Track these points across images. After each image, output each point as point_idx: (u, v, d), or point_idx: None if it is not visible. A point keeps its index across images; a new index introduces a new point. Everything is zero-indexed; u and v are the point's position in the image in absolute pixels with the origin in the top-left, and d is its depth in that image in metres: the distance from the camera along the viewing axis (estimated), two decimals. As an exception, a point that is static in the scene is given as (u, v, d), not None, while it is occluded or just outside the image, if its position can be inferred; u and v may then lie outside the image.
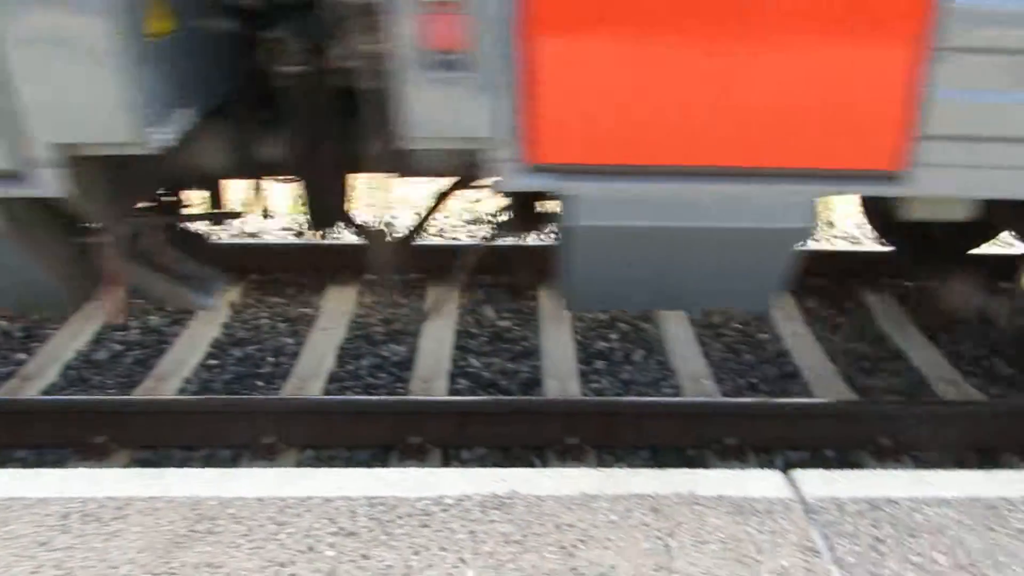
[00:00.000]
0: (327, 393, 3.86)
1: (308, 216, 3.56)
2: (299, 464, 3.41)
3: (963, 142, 2.57)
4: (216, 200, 3.65)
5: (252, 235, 5.68)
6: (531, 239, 4.54)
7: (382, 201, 3.56)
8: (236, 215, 3.82)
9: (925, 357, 4.26)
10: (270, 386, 3.93)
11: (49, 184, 2.54)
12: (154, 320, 4.44)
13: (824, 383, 3.99)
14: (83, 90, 2.40)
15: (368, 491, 2.28)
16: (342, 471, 2.38)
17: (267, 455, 3.42)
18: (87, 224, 3.05)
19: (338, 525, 2.14)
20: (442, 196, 3.69)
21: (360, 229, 3.81)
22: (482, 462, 3.48)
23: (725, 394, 3.93)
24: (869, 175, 2.63)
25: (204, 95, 2.92)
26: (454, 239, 5.71)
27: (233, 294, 4.64)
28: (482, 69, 2.36)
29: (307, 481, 2.31)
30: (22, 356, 4.10)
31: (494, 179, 2.58)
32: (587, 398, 3.79)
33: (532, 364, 4.16)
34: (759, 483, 2.29)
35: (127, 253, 3.15)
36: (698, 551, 2.04)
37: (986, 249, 4.91)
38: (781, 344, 4.38)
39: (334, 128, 3.21)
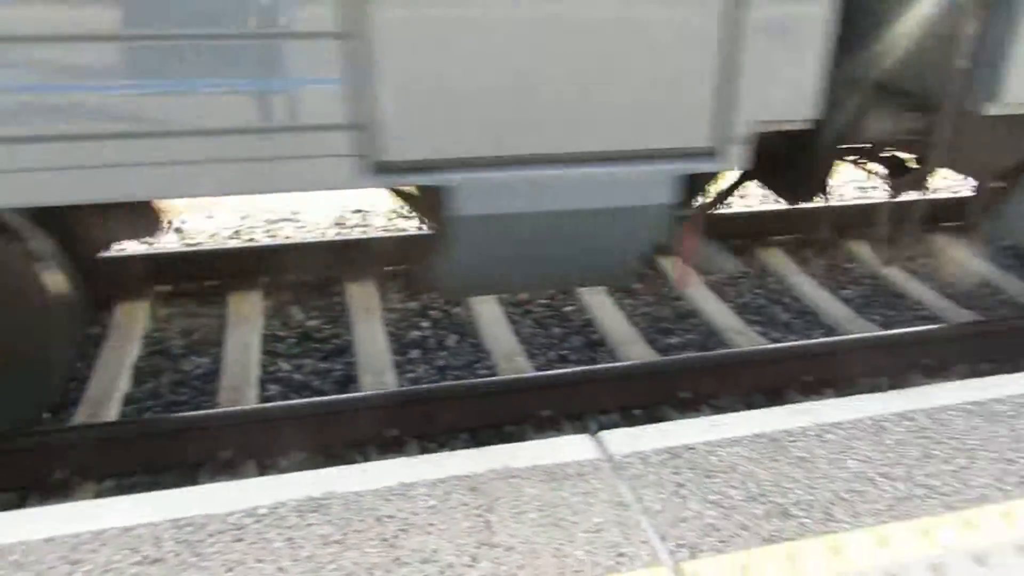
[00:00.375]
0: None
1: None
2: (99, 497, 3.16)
3: None
4: None
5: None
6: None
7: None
8: None
9: (716, 311, 4.59)
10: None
11: (736, 160, 2.76)
12: None
13: (628, 346, 4.21)
14: (791, 71, 2.67)
15: (173, 513, 2.14)
16: (142, 496, 2.22)
17: (61, 492, 3.14)
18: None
19: (141, 554, 2.00)
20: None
21: None
22: (302, 468, 3.38)
23: (538, 368, 4.05)
24: None
25: None
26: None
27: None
28: None
29: (103, 512, 2.13)
30: None
31: None
32: (402, 388, 3.77)
33: (346, 361, 4.09)
34: (570, 448, 2.38)
35: (702, 223, 3.30)
36: (517, 522, 2.09)
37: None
38: (586, 314, 4.57)
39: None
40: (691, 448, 2.39)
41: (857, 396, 2.65)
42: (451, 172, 2.52)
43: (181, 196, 2.43)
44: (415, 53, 2.34)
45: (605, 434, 2.44)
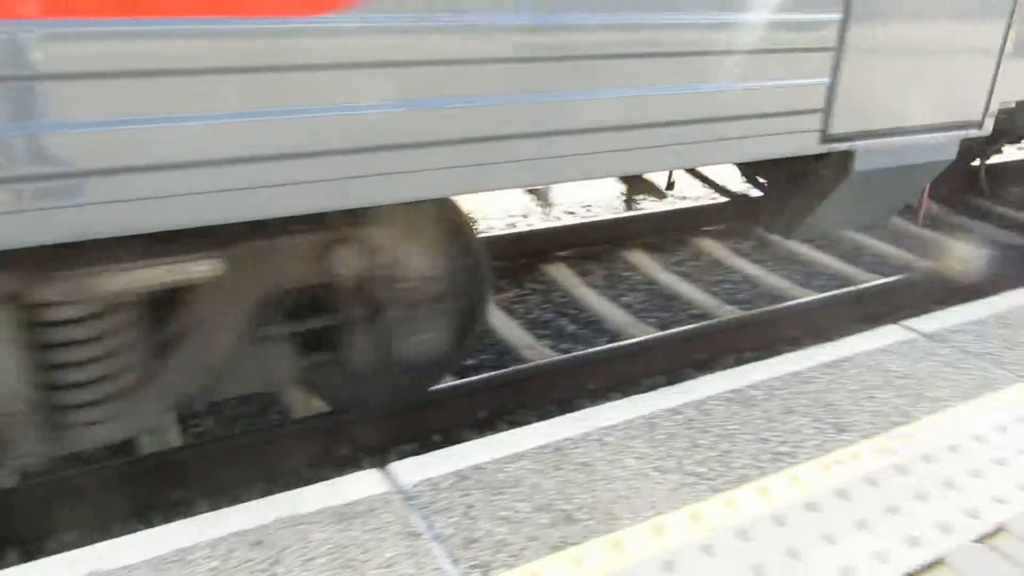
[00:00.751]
0: None
1: None
2: None
3: None
4: None
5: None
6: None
7: None
8: None
9: (507, 329, 4.71)
10: None
11: (989, 127, 3.87)
12: None
13: (424, 374, 4.21)
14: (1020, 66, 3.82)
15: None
16: None
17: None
18: None
19: None
20: None
21: None
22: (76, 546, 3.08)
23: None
24: None
25: None
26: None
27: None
28: None
29: None
30: None
31: None
32: (183, 445, 3.55)
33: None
34: (358, 485, 2.33)
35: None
36: (306, 570, 2.02)
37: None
38: (380, 346, 4.53)
39: None
40: (480, 468, 2.42)
41: (631, 397, 2.81)
42: (856, 141, 3.43)
43: (688, 166, 3.23)
44: (859, 61, 3.26)
45: (394, 465, 2.43)
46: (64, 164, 1.95)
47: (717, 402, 2.77)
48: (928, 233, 6.50)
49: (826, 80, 3.22)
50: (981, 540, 2.19)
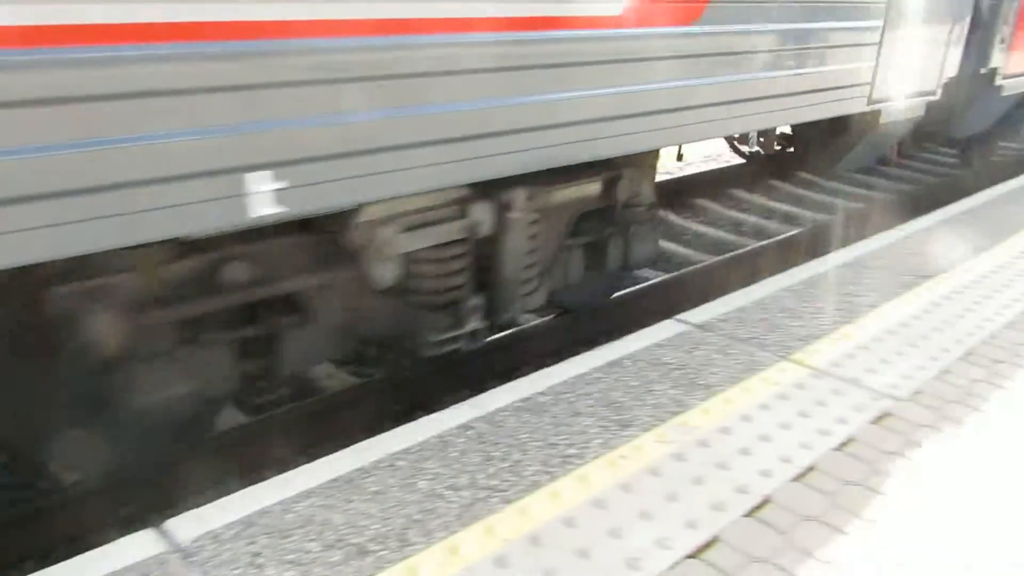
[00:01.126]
0: None
1: None
2: None
3: None
4: None
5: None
6: None
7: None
8: None
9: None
10: None
11: (938, 95, 5.99)
12: None
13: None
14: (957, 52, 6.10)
15: None
16: None
17: None
18: None
19: None
20: None
21: None
22: None
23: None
24: None
25: None
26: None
27: None
28: None
29: None
30: None
31: None
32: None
33: None
34: (129, 551, 2.14)
35: None
36: (68, 653, 1.84)
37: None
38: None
39: None
40: (267, 512, 2.31)
41: (422, 419, 2.78)
42: (883, 104, 5.29)
43: (804, 121, 4.81)
44: (888, 51, 5.06)
45: (171, 522, 2.26)
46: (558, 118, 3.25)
47: (508, 412, 2.81)
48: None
49: (874, 63, 5.01)
50: (750, 514, 2.36)
